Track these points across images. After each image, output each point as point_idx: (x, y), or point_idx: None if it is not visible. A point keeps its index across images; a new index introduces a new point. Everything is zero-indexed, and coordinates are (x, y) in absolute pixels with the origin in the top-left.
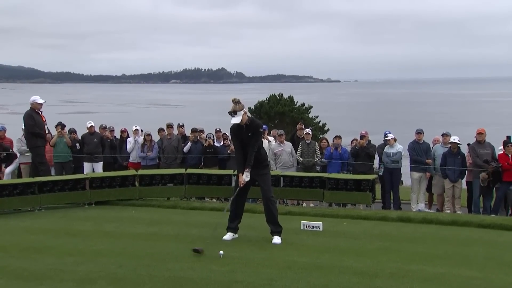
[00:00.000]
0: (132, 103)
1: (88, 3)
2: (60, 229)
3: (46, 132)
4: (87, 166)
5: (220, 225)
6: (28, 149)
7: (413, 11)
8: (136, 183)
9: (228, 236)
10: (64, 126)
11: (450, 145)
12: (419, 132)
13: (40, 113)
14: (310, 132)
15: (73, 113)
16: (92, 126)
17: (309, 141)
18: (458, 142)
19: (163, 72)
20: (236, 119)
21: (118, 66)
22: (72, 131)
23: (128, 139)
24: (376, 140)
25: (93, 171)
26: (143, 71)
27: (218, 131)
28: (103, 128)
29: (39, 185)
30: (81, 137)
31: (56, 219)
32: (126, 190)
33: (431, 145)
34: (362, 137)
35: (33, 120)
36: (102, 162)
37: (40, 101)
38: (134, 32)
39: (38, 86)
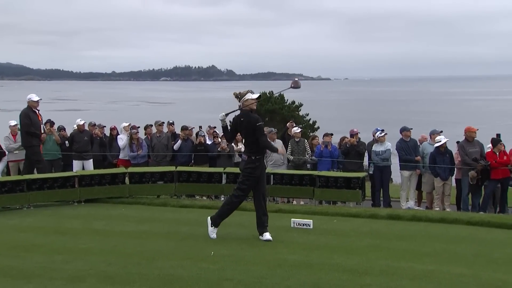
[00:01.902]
0: (122, 101)
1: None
2: (49, 227)
3: (42, 131)
4: (77, 164)
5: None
6: (15, 147)
7: (403, 9)
8: (126, 180)
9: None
10: (53, 123)
11: (437, 143)
12: (406, 130)
13: (37, 111)
14: (299, 130)
15: (63, 110)
16: (83, 123)
17: (299, 139)
18: (445, 140)
19: (153, 69)
20: (254, 95)
21: (108, 64)
22: (61, 129)
23: (119, 136)
24: (366, 138)
25: (83, 169)
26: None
27: (211, 128)
28: (92, 125)
29: (28, 183)
30: (71, 135)
31: (45, 217)
32: (115, 188)
33: (418, 143)
34: (352, 135)
35: (29, 119)
36: (92, 160)
37: (35, 98)
38: (124, 30)
39: (27, 83)
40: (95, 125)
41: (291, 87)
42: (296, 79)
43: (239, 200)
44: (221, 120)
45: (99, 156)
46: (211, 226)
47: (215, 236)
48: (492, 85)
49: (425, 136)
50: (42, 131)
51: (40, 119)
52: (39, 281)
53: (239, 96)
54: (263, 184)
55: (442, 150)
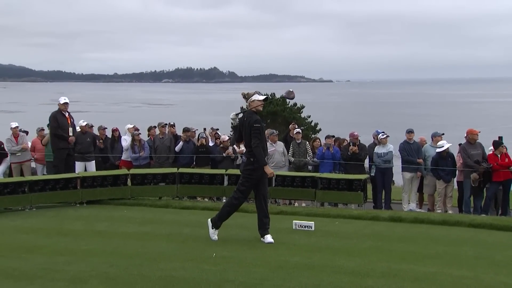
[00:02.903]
0: (124, 102)
1: (79, 2)
2: (51, 228)
3: (70, 134)
4: (79, 165)
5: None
6: (17, 149)
7: (404, 12)
8: (128, 182)
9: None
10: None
11: (439, 148)
12: (410, 132)
13: (67, 114)
14: (300, 132)
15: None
16: (86, 125)
17: (300, 141)
18: (448, 146)
19: (155, 71)
20: (261, 97)
21: (110, 65)
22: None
23: (124, 137)
24: (367, 140)
25: (86, 170)
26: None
27: (214, 130)
28: (102, 129)
29: (30, 184)
30: None
31: (47, 218)
32: (117, 189)
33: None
34: (354, 143)
35: (57, 121)
36: (94, 161)
37: (62, 101)
38: (126, 32)
39: (29, 84)
40: (105, 128)
41: (284, 96)
42: (291, 90)
43: (238, 201)
44: (232, 119)
45: (99, 157)
46: (212, 228)
47: (216, 238)
48: (493, 87)
49: (424, 138)
50: (71, 134)
51: (69, 121)
52: (41, 282)
53: (246, 97)
54: (264, 186)
55: (445, 155)
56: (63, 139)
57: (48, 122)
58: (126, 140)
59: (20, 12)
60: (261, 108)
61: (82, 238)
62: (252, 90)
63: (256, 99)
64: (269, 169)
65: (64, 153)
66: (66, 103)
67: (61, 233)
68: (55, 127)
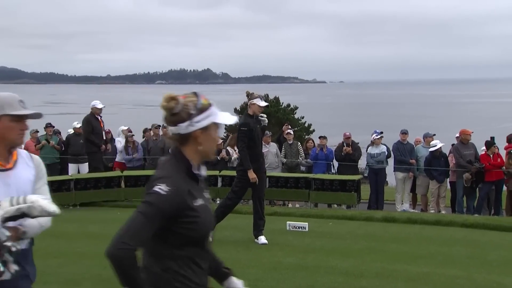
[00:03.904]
0: (117, 104)
1: (71, 4)
2: (44, 230)
3: (104, 137)
4: (72, 167)
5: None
6: None
7: (398, 12)
8: (122, 184)
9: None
10: (53, 127)
11: (432, 147)
12: (404, 133)
13: (99, 118)
14: (292, 133)
15: (58, 114)
16: (80, 127)
17: (291, 142)
18: (441, 145)
19: (149, 72)
20: (262, 103)
21: (103, 67)
22: (56, 132)
23: (117, 138)
24: (361, 142)
25: (79, 172)
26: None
27: None
28: (107, 132)
29: None
30: (66, 138)
31: None
32: (111, 192)
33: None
34: (347, 144)
35: (90, 126)
36: (88, 163)
37: (100, 106)
38: (119, 33)
39: (22, 86)
40: (109, 132)
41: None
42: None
43: (232, 202)
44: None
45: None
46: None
47: (210, 239)
48: (485, 87)
49: (419, 139)
50: (104, 137)
51: (102, 125)
52: (34, 285)
53: (249, 97)
54: (260, 188)
55: (438, 155)
56: (95, 145)
57: (48, 124)
58: (120, 142)
59: (13, 13)
60: (258, 112)
61: (75, 240)
62: (258, 92)
63: (257, 103)
64: (251, 174)
65: (98, 156)
66: (101, 108)
67: (54, 236)
68: (88, 131)
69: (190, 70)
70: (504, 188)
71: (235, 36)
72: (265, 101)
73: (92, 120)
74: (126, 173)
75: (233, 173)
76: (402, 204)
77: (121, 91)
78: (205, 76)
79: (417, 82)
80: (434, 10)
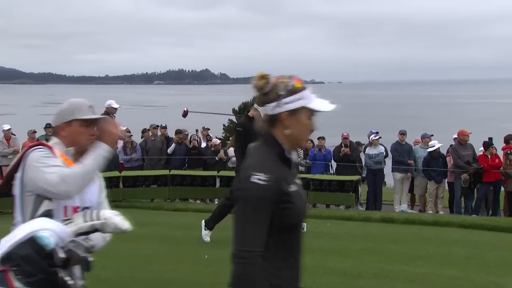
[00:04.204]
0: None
1: (69, 3)
2: None
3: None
4: None
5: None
6: (9, 151)
7: (396, 13)
8: (120, 184)
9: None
10: (53, 127)
11: (430, 148)
12: (402, 133)
13: (113, 117)
14: None
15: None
16: None
17: None
18: (439, 146)
19: (147, 73)
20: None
21: (101, 67)
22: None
23: None
24: (363, 141)
25: None
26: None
27: (205, 129)
28: None
29: None
30: None
31: None
32: (109, 192)
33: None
34: (345, 145)
35: None
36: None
37: (115, 105)
38: (117, 33)
39: (20, 87)
40: None
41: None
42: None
43: (230, 203)
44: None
45: None
46: (205, 229)
47: (208, 239)
48: (484, 88)
49: (418, 139)
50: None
51: None
52: None
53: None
54: None
55: (436, 155)
56: None
57: (48, 124)
58: (118, 142)
59: (10, 13)
60: (258, 117)
61: None
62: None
63: (260, 111)
64: None
65: (114, 156)
66: (116, 108)
67: None
68: None
69: (189, 71)
70: (502, 188)
71: (233, 37)
72: None
73: None
74: (124, 173)
75: (232, 173)
76: (400, 204)
77: (119, 91)
78: (204, 77)
79: (415, 82)
80: (432, 11)
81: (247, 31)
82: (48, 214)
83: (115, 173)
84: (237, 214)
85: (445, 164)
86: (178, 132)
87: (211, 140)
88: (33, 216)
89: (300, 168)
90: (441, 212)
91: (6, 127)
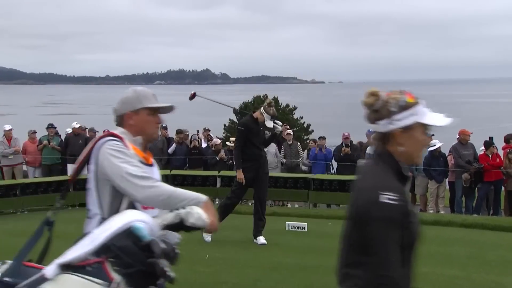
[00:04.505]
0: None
1: (69, 3)
2: (43, 231)
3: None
4: (71, 167)
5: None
6: (10, 152)
7: (396, 13)
8: None
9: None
10: (55, 128)
11: (431, 147)
12: None
13: None
14: (292, 133)
15: (57, 114)
16: (79, 127)
17: (291, 142)
18: (440, 145)
19: (147, 73)
20: (268, 123)
21: (102, 67)
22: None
23: None
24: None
25: None
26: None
27: (206, 130)
28: (93, 132)
29: (22, 187)
30: (65, 138)
31: (39, 221)
32: None
33: None
34: (346, 145)
35: None
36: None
37: None
38: (118, 33)
39: (21, 87)
40: (96, 132)
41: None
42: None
43: (231, 202)
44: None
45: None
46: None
47: (209, 239)
48: (484, 88)
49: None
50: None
51: None
52: None
53: (266, 103)
54: (261, 188)
55: (437, 154)
56: None
57: (50, 125)
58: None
59: (10, 13)
60: (261, 119)
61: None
62: (274, 110)
63: (264, 117)
64: (240, 174)
65: None
66: None
67: (53, 236)
68: None
69: (189, 71)
70: (503, 188)
71: (233, 37)
72: (264, 101)
73: None
74: None
75: (233, 173)
76: None
77: (120, 91)
78: (204, 77)
79: (415, 82)
80: (432, 11)
81: (247, 31)
82: (132, 206)
83: None
84: (373, 236)
85: (446, 164)
86: (178, 132)
87: (211, 140)
88: (111, 208)
89: (304, 168)
90: (442, 212)
91: (8, 127)
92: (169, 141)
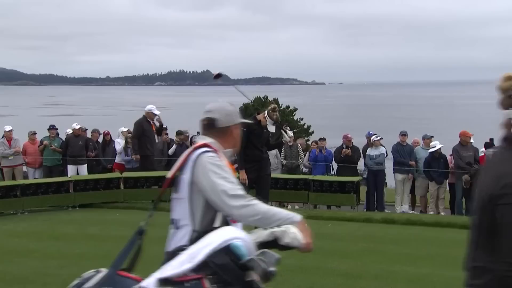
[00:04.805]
0: (117, 106)
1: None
2: (43, 232)
3: (157, 141)
4: (71, 168)
5: None
6: (10, 152)
7: (396, 14)
8: (121, 185)
9: None
10: (56, 129)
11: (431, 148)
12: (403, 134)
13: (151, 122)
14: (292, 135)
15: (57, 115)
16: (79, 128)
17: (292, 143)
18: (440, 146)
19: (148, 74)
20: (271, 127)
21: (102, 68)
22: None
23: (117, 140)
24: (360, 143)
25: (78, 173)
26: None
27: None
28: (96, 133)
29: (22, 188)
30: (66, 139)
31: (39, 222)
32: (110, 193)
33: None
34: (347, 146)
35: (141, 129)
36: (86, 165)
37: (156, 112)
38: (118, 34)
39: (21, 88)
40: (108, 133)
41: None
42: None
43: None
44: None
45: (93, 161)
46: None
47: None
48: (485, 89)
49: (417, 140)
50: (157, 141)
51: (154, 129)
52: (33, 286)
53: (272, 107)
54: (262, 189)
55: (437, 156)
56: (141, 153)
57: (52, 126)
58: (119, 143)
59: (10, 14)
60: (264, 123)
61: (75, 241)
62: (277, 115)
63: (267, 120)
64: (243, 174)
65: (151, 159)
66: (156, 115)
67: (53, 237)
68: (137, 134)
69: (189, 72)
70: None
71: (233, 38)
72: (264, 102)
73: (144, 124)
74: (125, 174)
75: None
76: (402, 205)
77: (121, 92)
78: (204, 78)
79: (416, 83)
80: (433, 12)
81: (247, 32)
82: (225, 220)
83: (116, 174)
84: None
85: (446, 165)
86: (179, 133)
87: None
88: (203, 221)
89: (304, 169)
90: (442, 213)
91: (8, 128)
92: (168, 142)
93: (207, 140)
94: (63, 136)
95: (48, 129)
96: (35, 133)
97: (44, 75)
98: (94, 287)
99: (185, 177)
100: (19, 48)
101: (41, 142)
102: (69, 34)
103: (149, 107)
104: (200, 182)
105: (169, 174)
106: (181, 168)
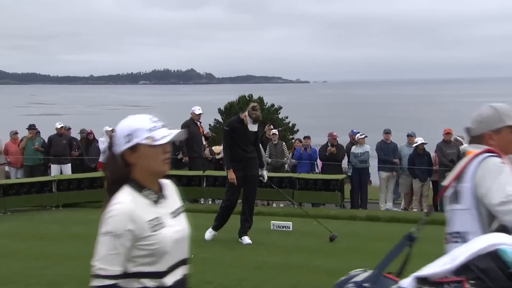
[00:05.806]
0: (101, 105)
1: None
2: (26, 232)
3: (203, 142)
4: (55, 168)
5: None
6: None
7: (383, 14)
8: (105, 185)
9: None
10: (36, 128)
11: (415, 145)
12: (387, 132)
13: (199, 123)
14: (277, 133)
15: (40, 115)
16: (62, 127)
17: (276, 142)
18: (424, 142)
19: (132, 73)
20: (252, 126)
21: (86, 67)
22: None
23: (101, 139)
24: (344, 141)
25: (61, 173)
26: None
27: None
28: (88, 133)
29: (4, 188)
30: (48, 138)
31: (22, 222)
32: (94, 192)
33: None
34: (332, 144)
35: (189, 131)
36: (70, 164)
37: (198, 111)
38: (102, 34)
39: (3, 87)
40: (91, 132)
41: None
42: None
43: (225, 205)
44: None
45: (76, 160)
46: (211, 228)
47: (208, 237)
48: (471, 87)
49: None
50: (203, 142)
51: (201, 131)
52: (16, 287)
53: (252, 108)
54: (249, 190)
55: (421, 152)
56: (187, 154)
57: (32, 125)
58: (103, 142)
59: None
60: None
61: (58, 241)
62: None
63: (248, 119)
64: (231, 174)
65: (198, 161)
66: (200, 114)
67: (36, 237)
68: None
69: (174, 70)
70: None
71: (218, 37)
72: (249, 101)
73: (191, 126)
74: None
75: (218, 173)
76: (386, 203)
77: (105, 91)
78: (189, 76)
79: (401, 81)
80: (418, 12)
81: (232, 31)
82: (503, 229)
83: (100, 174)
84: None
85: (430, 163)
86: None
87: None
88: (488, 230)
89: (286, 168)
90: (425, 210)
91: None
92: None
93: (479, 148)
94: (47, 135)
95: (27, 129)
96: (17, 133)
97: (27, 74)
98: (358, 282)
99: (465, 185)
100: (2, 47)
101: (21, 141)
102: (53, 34)
103: (192, 108)
104: (480, 189)
105: (445, 182)
106: (459, 177)
